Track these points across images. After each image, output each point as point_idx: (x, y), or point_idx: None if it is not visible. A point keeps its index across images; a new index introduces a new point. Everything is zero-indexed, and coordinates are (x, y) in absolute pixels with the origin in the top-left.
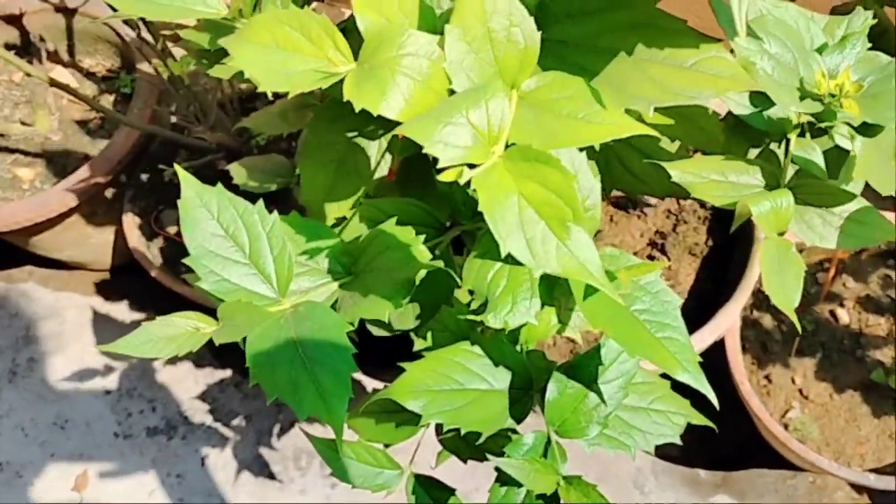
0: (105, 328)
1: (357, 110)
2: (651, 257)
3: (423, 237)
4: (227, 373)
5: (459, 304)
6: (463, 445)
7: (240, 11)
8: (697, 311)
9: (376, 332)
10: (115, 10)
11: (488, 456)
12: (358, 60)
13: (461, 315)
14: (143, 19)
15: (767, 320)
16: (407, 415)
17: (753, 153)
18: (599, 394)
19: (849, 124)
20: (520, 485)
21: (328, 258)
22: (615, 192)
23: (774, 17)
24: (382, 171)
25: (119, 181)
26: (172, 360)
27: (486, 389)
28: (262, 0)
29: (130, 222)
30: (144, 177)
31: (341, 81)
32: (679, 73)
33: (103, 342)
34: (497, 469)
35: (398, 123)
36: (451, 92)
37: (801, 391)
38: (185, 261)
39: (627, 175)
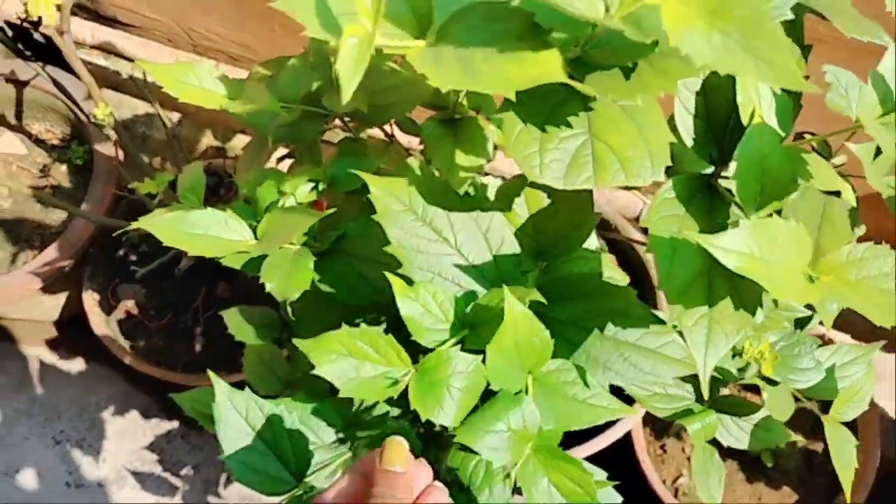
0: (51, 379)
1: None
2: None
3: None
4: (174, 424)
5: None
6: None
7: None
8: None
9: None
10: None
11: None
12: (417, 369)
13: None
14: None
15: None
16: None
17: None
18: None
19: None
20: None
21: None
22: None
23: None
24: None
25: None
26: (121, 412)
27: None
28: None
29: (91, 302)
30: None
31: None
32: (646, 354)
33: (49, 393)
34: None
35: None
36: (489, 390)
37: (689, 459)
38: (223, 458)
39: None
